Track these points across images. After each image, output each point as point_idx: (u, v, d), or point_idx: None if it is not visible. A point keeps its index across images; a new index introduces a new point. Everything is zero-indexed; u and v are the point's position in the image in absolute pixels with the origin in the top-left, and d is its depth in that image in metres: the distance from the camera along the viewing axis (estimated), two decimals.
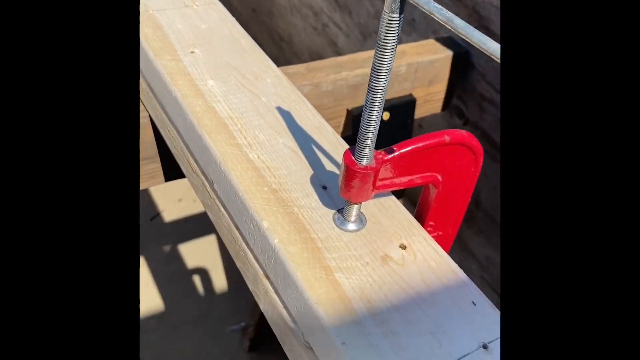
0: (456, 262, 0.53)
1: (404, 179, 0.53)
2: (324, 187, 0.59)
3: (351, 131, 1.03)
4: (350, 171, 0.50)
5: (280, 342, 0.57)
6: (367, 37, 1.43)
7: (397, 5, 0.40)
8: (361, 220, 0.55)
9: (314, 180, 0.59)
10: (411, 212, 0.59)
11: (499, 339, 0.47)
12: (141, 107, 0.83)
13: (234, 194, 0.59)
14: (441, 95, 1.13)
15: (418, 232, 0.56)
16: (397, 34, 0.41)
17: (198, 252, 2.18)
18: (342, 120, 1.03)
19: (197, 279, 2.09)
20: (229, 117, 0.66)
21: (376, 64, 0.43)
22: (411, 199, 1.37)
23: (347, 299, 0.48)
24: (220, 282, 2.09)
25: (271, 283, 0.56)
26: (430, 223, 0.59)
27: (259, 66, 0.76)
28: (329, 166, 0.62)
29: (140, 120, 0.84)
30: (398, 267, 0.52)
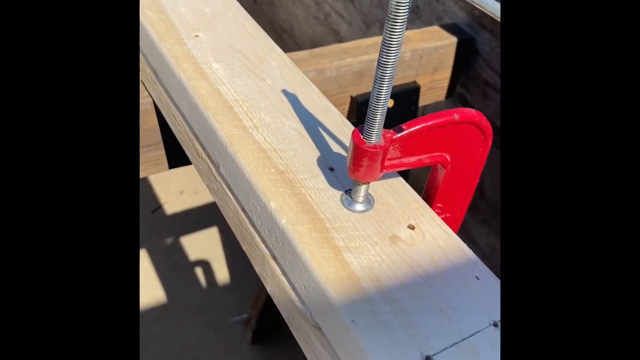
0: None
1: (413, 159, 0.53)
2: (331, 169, 0.58)
3: (355, 118, 1.02)
4: (359, 150, 0.49)
5: (288, 324, 0.56)
6: (370, 25, 1.42)
7: None
8: (369, 201, 0.55)
9: (320, 162, 0.59)
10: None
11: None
12: (145, 93, 0.83)
13: (241, 176, 0.58)
14: (445, 83, 1.12)
15: (426, 212, 0.55)
16: (408, 2, 0.41)
17: (200, 244, 2.18)
18: (346, 107, 1.03)
19: (199, 271, 2.09)
20: (235, 100, 0.66)
21: (387, 36, 0.42)
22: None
23: (356, 277, 0.48)
24: (222, 273, 2.09)
25: (279, 264, 0.55)
26: (438, 205, 0.59)
27: (263, 49, 0.75)
28: (336, 148, 0.61)
29: (144, 107, 0.83)
30: (407, 246, 0.51)
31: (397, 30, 0.42)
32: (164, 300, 1.98)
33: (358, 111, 1.01)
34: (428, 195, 0.59)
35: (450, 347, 0.43)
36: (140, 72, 0.82)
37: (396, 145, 0.51)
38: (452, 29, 1.10)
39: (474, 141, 0.54)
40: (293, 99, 0.67)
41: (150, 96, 0.82)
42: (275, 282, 0.56)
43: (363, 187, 0.53)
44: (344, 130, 0.64)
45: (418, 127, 0.50)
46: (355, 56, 0.98)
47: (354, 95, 1.01)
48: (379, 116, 0.47)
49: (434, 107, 1.23)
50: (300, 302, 0.52)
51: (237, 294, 2.02)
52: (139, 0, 0.79)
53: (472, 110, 0.52)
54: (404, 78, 1.05)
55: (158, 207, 2.31)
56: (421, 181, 0.60)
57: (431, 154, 0.53)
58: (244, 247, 0.63)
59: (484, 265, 0.51)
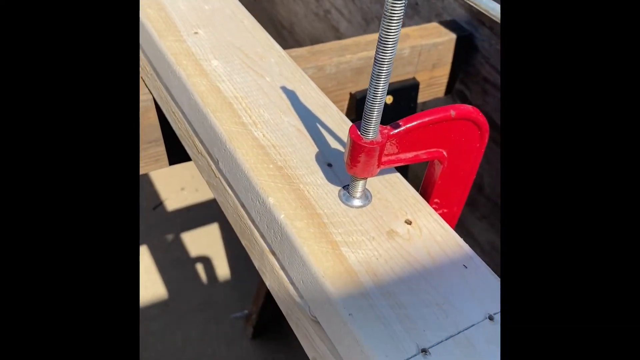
0: None
1: (410, 155, 0.53)
2: (329, 165, 0.59)
3: (355, 115, 1.03)
4: (357, 146, 0.50)
5: (287, 318, 0.57)
6: (369, 22, 1.43)
7: None
8: (367, 196, 0.56)
9: (319, 158, 0.59)
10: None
11: None
12: (145, 90, 0.83)
13: (240, 172, 0.59)
14: (444, 79, 1.13)
15: (423, 207, 0.56)
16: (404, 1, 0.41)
17: (201, 241, 2.19)
18: (346, 104, 1.03)
19: (200, 267, 2.10)
20: (234, 97, 0.66)
21: (383, 33, 0.43)
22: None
23: (353, 272, 0.48)
24: (223, 269, 2.10)
25: (277, 259, 0.56)
26: (436, 200, 0.59)
27: (262, 46, 0.76)
28: (334, 144, 0.62)
29: (144, 103, 0.84)
30: (404, 241, 0.52)
31: (393, 28, 0.43)
32: (165, 297, 1.99)
33: (357, 107, 1.02)
34: (425, 190, 0.59)
35: (446, 339, 0.44)
36: (140, 70, 0.83)
37: (393, 141, 0.51)
38: (451, 25, 1.10)
39: (470, 137, 0.54)
40: (292, 96, 0.68)
41: (151, 93, 0.83)
42: (274, 277, 0.57)
43: (361, 183, 0.54)
44: (342, 126, 0.64)
45: (415, 123, 0.51)
46: (355, 53, 0.99)
47: (353, 91, 1.02)
48: (375, 113, 0.48)
49: (433, 104, 1.23)
50: (298, 297, 0.53)
51: (237, 289, 2.02)
52: None
53: (469, 107, 0.53)
54: (403, 74, 1.06)
55: (159, 204, 2.32)
56: (420, 177, 0.61)
57: (428, 150, 0.54)
58: (243, 242, 0.64)
59: (481, 260, 0.51)
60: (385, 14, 0.42)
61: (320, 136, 0.62)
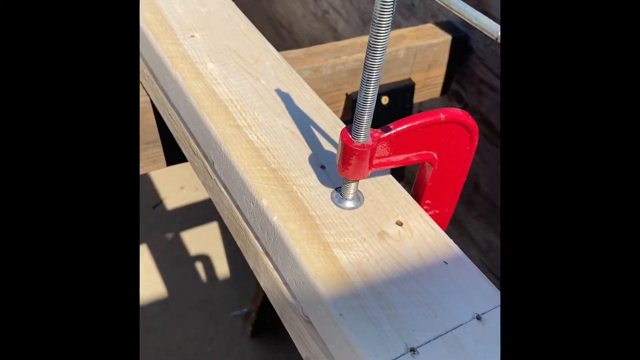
0: None
1: (401, 157, 0.54)
2: (323, 167, 0.60)
3: (351, 116, 1.04)
4: (348, 149, 0.51)
5: (281, 318, 0.58)
6: (367, 22, 1.43)
7: None
8: (359, 198, 0.57)
9: (312, 160, 0.60)
10: (408, 192, 0.60)
11: (492, 310, 0.48)
12: (142, 92, 0.84)
13: (234, 174, 0.60)
14: (440, 80, 1.13)
15: (414, 209, 0.57)
16: (392, 7, 0.42)
17: (200, 239, 2.20)
18: (342, 105, 1.04)
19: (199, 266, 2.12)
20: (229, 100, 0.67)
21: (372, 39, 0.44)
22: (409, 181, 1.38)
23: (344, 273, 0.49)
24: (222, 268, 2.11)
25: (271, 260, 0.57)
26: (427, 201, 0.60)
27: (258, 50, 0.77)
28: (327, 146, 0.63)
29: (142, 105, 0.85)
30: (395, 242, 0.53)
31: (382, 33, 0.44)
32: (165, 295, 2.01)
33: (353, 108, 1.03)
34: (417, 192, 0.60)
35: (434, 339, 0.45)
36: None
37: (384, 144, 0.52)
38: (446, 26, 1.11)
39: (460, 140, 0.55)
40: (286, 99, 0.68)
41: (148, 95, 0.84)
42: (268, 277, 0.58)
43: (352, 185, 0.55)
44: (335, 128, 0.65)
45: (405, 126, 0.52)
46: (351, 54, 1.00)
47: (349, 92, 1.03)
48: (366, 117, 0.49)
49: (429, 104, 1.24)
50: (291, 297, 0.54)
51: (237, 288, 2.04)
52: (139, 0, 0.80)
53: (458, 110, 0.53)
54: (398, 75, 1.06)
55: (159, 203, 2.33)
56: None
57: (419, 153, 0.55)
58: (238, 243, 0.65)
59: (470, 261, 0.52)
60: (374, 21, 0.43)
61: (313, 138, 0.63)
